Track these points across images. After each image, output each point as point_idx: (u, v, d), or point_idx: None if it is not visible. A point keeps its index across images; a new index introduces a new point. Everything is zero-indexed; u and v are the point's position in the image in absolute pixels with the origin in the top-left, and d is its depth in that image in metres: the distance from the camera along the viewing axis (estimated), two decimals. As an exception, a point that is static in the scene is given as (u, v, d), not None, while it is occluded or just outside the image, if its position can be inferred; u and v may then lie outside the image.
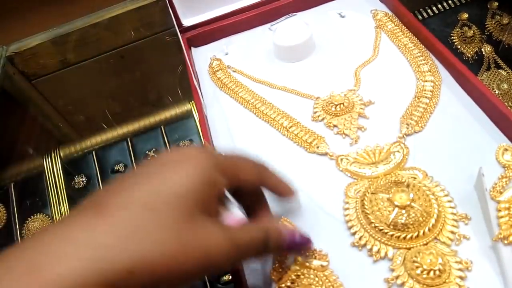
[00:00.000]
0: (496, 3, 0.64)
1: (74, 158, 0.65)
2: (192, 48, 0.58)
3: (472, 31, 0.63)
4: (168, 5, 0.52)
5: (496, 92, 0.60)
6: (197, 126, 0.61)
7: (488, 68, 0.60)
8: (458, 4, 0.66)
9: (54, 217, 0.60)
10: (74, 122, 0.78)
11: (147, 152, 0.62)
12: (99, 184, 0.61)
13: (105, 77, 0.77)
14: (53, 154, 0.66)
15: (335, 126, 0.44)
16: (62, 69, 0.73)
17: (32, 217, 0.60)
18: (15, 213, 0.62)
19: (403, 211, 0.34)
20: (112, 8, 0.72)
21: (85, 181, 0.62)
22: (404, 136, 0.41)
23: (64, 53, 0.72)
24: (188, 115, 0.65)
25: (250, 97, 0.49)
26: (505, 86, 0.60)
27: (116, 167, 0.62)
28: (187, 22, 0.56)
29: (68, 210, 0.60)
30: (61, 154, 0.66)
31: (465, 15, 0.64)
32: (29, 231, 0.59)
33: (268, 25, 0.57)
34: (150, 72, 0.77)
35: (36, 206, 0.61)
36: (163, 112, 0.67)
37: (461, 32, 0.63)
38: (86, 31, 0.71)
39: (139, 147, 0.63)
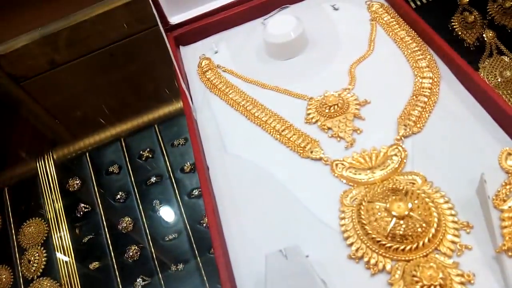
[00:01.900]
0: (498, -13, 0.61)
1: (68, 160, 0.64)
2: (181, 47, 0.56)
3: (473, 16, 0.60)
4: (152, 3, 0.49)
5: (499, 80, 0.57)
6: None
7: (491, 55, 0.58)
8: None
9: (50, 221, 0.59)
10: (67, 122, 0.77)
11: (141, 152, 0.61)
12: (93, 186, 0.60)
13: (96, 76, 0.75)
14: (46, 157, 0.64)
15: (329, 128, 0.42)
16: (51, 69, 0.71)
17: (28, 222, 0.59)
18: (10, 218, 0.61)
19: (401, 222, 0.32)
20: (100, 4, 0.70)
21: (79, 184, 0.61)
22: (402, 138, 0.39)
23: (52, 53, 0.70)
24: (182, 112, 0.63)
25: (241, 98, 0.47)
26: (508, 73, 0.57)
27: (111, 169, 0.61)
28: (174, 19, 0.54)
29: (63, 214, 0.59)
30: (54, 156, 0.64)
31: (466, 0, 0.61)
32: (24, 236, 0.59)
33: (260, 19, 0.55)
34: (142, 69, 0.74)
35: (31, 210, 0.60)
36: (156, 110, 0.66)
37: (462, 18, 0.60)
38: (74, 29, 0.69)
39: (133, 147, 0.62)
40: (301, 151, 0.41)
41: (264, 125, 0.44)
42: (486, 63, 0.58)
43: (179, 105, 0.64)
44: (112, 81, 0.75)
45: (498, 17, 0.60)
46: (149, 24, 0.71)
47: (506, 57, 0.57)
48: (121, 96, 0.75)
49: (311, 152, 0.40)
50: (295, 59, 0.49)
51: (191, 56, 0.54)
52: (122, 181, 0.59)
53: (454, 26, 0.60)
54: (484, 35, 0.59)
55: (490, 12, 0.60)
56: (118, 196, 0.57)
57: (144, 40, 0.73)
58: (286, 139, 0.42)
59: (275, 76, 0.48)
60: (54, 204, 0.60)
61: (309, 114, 0.43)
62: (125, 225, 0.54)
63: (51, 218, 0.59)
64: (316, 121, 0.42)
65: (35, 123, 0.75)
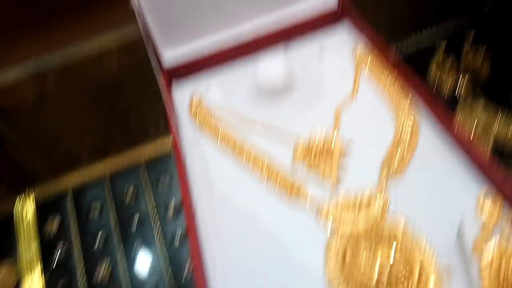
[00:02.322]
0: (473, 33, 0.65)
1: (48, 198, 0.62)
2: (173, 81, 0.56)
3: (450, 61, 0.63)
4: (146, 42, 0.50)
5: (475, 125, 0.59)
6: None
7: (467, 99, 0.60)
8: (436, 33, 0.66)
9: (21, 265, 0.56)
10: (50, 159, 0.75)
11: (125, 191, 0.60)
12: (73, 227, 0.58)
13: (85, 110, 0.75)
14: (26, 195, 0.63)
15: (315, 169, 0.42)
16: (39, 102, 0.70)
17: (-2, 263, 0.57)
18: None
19: (386, 268, 0.33)
20: (93, 38, 0.70)
21: (58, 225, 0.59)
22: (385, 181, 0.40)
23: (42, 86, 0.69)
24: (170, 151, 0.63)
25: (231, 138, 0.47)
26: (484, 117, 0.60)
27: (92, 208, 0.59)
28: (168, 55, 0.54)
29: (37, 257, 0.56)
30: (35, 195, 0.63)
31: (443, 44, 0.64)
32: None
33: (252, 56, 0.56)
34: (131, 104, 0.75)
35: (3, 253, 0.58)
36: (144, 148, 0.65)
37: (440, 62, 0.63)
38: (65, 63, 0.69)
39: (118, 186, 0.61)
40: (288, 193, 0.41)
41: (252, 165, 0.44)
42: (463, 107, 0.60)
43: (167, 143, 0.64)
44: (100, 117, 0.75)
45: (472, 63, 0.63)
46: (140, 56, 0.72)
47: (482, 100, 0.60)
48: (109, 133, 0.74)
49: (297, 193, 0.41)
50: (284, 100, 0.50)
51: (182, 92, 0.55)
52: (104, 221, 0.57)
53: (432, 70, 0.62)
54: (460, 79, 0.61)
55: (465, 59, 0.63)
56: (98, 238, 0.55)
57: (136, 72, 0.73)
58: (273, 180, 0.42)
59: (265, 116, 0.49)
60: (28, 247, 0.57)
61: (296, 154, 0.44)
62: (103, 270, 0.52)
63: (25, 260, 0.56)
64: (303, 162, 0.43)
65: (18, 158, 0.73)
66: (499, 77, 0.60)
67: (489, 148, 0.53)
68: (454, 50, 0.64)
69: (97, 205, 0.59)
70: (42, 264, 0.55)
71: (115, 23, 0.69)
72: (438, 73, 0.62)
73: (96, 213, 0.58)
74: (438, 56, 0.64)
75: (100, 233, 0.56)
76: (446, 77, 0.62)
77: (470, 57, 0.63)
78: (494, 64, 0.61)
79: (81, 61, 0.69)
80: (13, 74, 0.67)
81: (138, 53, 0.71)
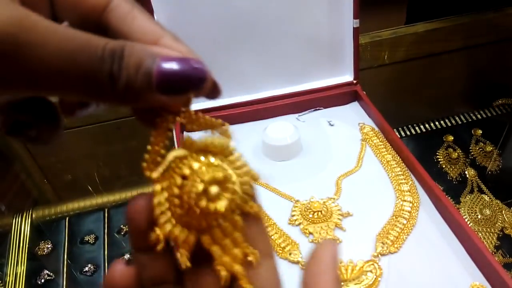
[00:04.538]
0: (480, 131, 0.67)
1: (46, 221, 0.63)
2: (184, 133, 0.59)
3: (456, 153, 0.65)
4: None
5: (479, 217, 0.60)
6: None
7: (472, 191, 0.61)
8: (444, 126, 0.69)
9: (7, 279, 0.56)
10: (55, 184, 0.77)
11: (121, 226, 0.60)
12: (64, 253, 0.58)
13: (98, 145, 0.78)
14: (25, 215, 0.64)
15: (310, 233, 0.43)
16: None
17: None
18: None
19: None
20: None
21: (50, 248, 0.59)
22: (379, 255, 0.40)
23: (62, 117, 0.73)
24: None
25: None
26: (488, 212, 0.60)
27: (86, 238, 0.60)
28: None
29: (23, 278, 0.56)
30: (34, 216, 0.64)
31: (450, 138, 0.67)
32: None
33: (258, 122, 0.59)
34: (143, 145, 0.77)
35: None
36: (147, 187, 0.66)
37: (446, 153, 0.65)
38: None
39: (115, 220, 0.61)
40: (280, 251, 0.41)
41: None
42: (467, 198, 0.61)
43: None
44: (112, 153, 0.77)
45: (480, 158, 0.65)
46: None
47: (486, 196, 0.61)
48: (116, 168, 0.76)
49: (290, 254, 0.41)
50: (288, 162, 0.52)
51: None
52: (95, 253, 0.57)
53: (439, 159, 0.64)
54: (466, 172, 0.63)
55: (472, 153, 0.65)
56: (86, 269, 0.55)
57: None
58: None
59: (267, 175, 0.50)
60: (17, 267, 0.57)
61: (293, 215, 0.45)
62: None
63: (9, 281, 0.56)
64: (299, 223, 0.44)
65: (25, 178, 0.75)
66: (506, 173, 0.62)
67: (492, 241, 0.53)
68: (461, 144, 0.66)
69: (91, 236, 0.59)
70: (26, 285, 0.54)
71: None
72: (445, 162, 0.64)
73: (90, 242, 0.58)
74: (445, 146, 0.66)
75: (89, 263, 0.55)
76: (452, 168, 0.63)
77: (476, 154, 0.65)
78: (501, 159, 0.63)
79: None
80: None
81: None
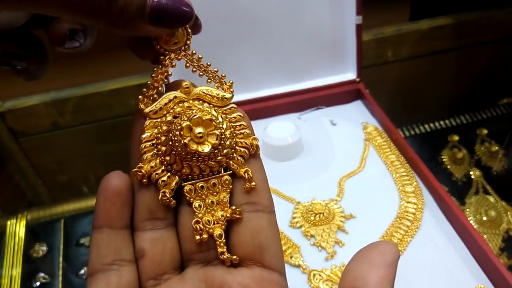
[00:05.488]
0: (486, 131, 0.66)
1: (41, 223, 0.62)
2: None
3: (461, 154, 0.63)
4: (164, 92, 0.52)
5: (484, 218, 0.58)
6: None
7: (477, 192, 0.60)
8: (449, 125, 0.68)
9: (2, 282, 0.55)
10: (50, 185, 0.76)
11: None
12: (59, 256, 0.57)
13: (93, 145, 0.77)
14: (20, 216, 0.62)
15: (312, 236, 0.41)
16: (51, 131, 0.72)
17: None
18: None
19: None
20: (114, 80, 0.73)
21: (45, 251, 0.58)
22: (383, 259, 0.38)
23: (57, 116, 0.72)
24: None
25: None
26: (493, 213, 0.59)
27: (82, 240, 0.59)
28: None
29: (19, 277, 0.55)
30: (29, 217, 0.62)
31: (456, 138, 0.65)
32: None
33: (259, 121, 0.58)
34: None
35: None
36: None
37: (451, 153, 0.64)
38: (84, 98, 0.72)
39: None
40: (280, 255, 0.40)
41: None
42: (473, 199, 0.60)
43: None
44: (107, 153, 0.76)
45: (485, 158, 0.63)
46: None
47: (491, 197, 0.59)
48: (112, 168, 0.75)
49: (291, 257, 0.40)
50: (289, 163, 0.51)
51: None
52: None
53: (444, 160, 0.63)
54: (471, 172, 0.61)
55: (477, 153, 0.63)
56: (82, 271, 0.54)
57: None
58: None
59: (268, 176, 0.49)
60: (12, 269, 0.56)
61: (294, 218, 0.43)
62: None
63: (4, 284, 0.55)
64: (301, 226, 0.42)
65: (20, 179, 0.74)
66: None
67: (497, 243, 0.52)
68: (467, 144, 0.64)
69: (87, 238, 0.58)
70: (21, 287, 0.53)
71: (137, 69, 0.72)
72: (449, 163, 0.62)
73: (85, 245, 0.57)
74: (450, 146, 0.64)
75: (85, 265, 0.54)
76: (457, 168, 0.62)
77: (481, 154, 0.64)
78: (507, 159, 0.62)
79: (99, 99, 0.72)
80: (33, 100, 0.70)
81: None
